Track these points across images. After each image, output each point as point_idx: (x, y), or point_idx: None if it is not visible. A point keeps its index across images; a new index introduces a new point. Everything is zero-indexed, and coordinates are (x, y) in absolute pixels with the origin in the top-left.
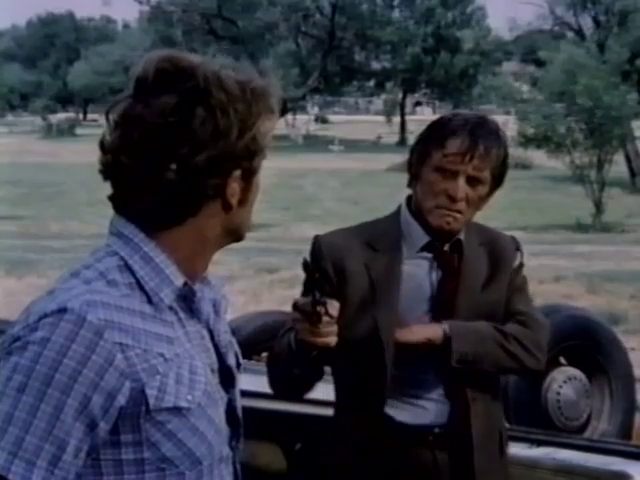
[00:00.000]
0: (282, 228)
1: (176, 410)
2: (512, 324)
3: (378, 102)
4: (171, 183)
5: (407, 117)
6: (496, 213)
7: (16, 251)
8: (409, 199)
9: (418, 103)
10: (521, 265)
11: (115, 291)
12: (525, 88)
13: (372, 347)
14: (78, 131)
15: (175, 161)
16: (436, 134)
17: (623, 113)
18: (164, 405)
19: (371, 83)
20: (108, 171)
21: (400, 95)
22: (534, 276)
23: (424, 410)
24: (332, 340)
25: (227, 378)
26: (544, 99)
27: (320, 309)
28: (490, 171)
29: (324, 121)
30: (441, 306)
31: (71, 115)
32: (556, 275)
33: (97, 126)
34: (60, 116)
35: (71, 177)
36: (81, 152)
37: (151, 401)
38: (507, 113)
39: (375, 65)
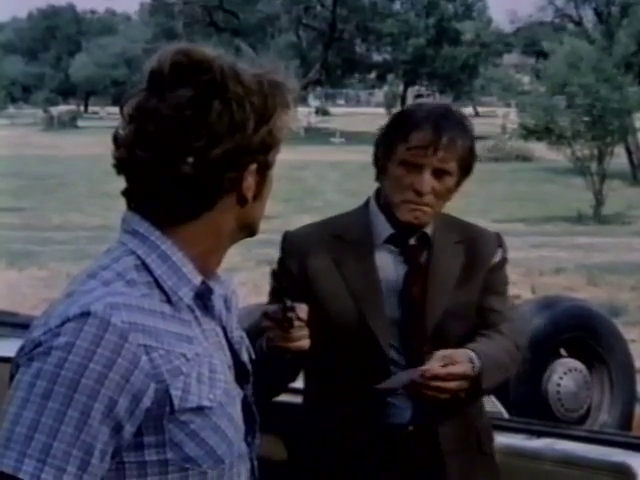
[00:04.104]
0: (283, 220)
1: (199, 410)
2: (505, 340)
3: (379, 94)
4: (187, 177)
5: None
6: (497, 205)
7: (17, 243)
8: (378, 192)
9: (419, 95)
10: (502, 262)
11: (135, 291)
12: (526, 80)
13: (366, 344)
14: (79, 123)
15: (192, 154)
16: (400, 127)
17: (624, 106)
18: (188, 405)
19: (372, 75)
20: (122, 165)
21: (401, 87)
22: (534, 268)
23: (395, 408)
24: (305, 343)
25: (242, 374)
26: (545, 91)
27: (291, 315)
28: (457, 162)
29: (325, 113)
30: (410, 303)
31: (72, 107)
32: (556, 267)
33: (98, 118)
34: (61, 108)
35: (73, 169)
36: (83, 144)
37: (176, 402)
38: (507, 105)
39: (376, 57)
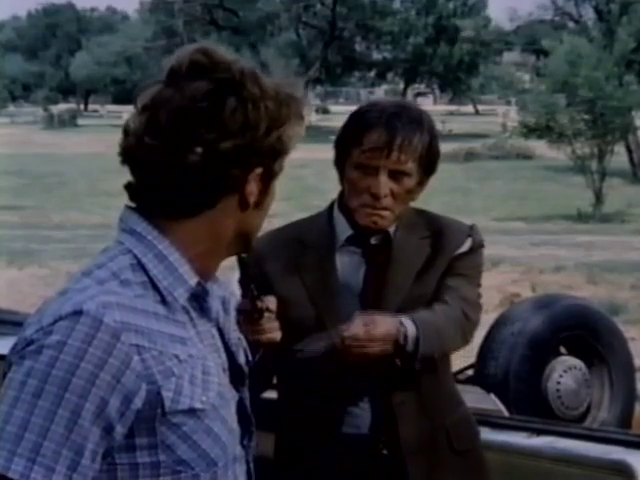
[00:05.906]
0: (284, 218)
1: (191, 412)
2: (447, 308)
3: (379, 92)
4: (193, 166)
5: None
6: (497, 203)
7: (18, 241)
8: (342, 194)
9: (419, 93)
10: (472, 250)
11: (129, 291)
12: (526, 78)
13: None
14: (80, 122)
15: (201, 145)
16: (353, 129)
17: (625, 104)
18: (180, 407)
19: (372, 73)
20: (128, 154)
21: (401, 85)
22: (534, 266)
23: (353, 417)
24: (277, 335)
25: (238, 377)
26: (546, 89)
27: (261, 305)
28: (415, 162)
29: (325, 112)
30: (366, 304)
31: (72, 106)
32: (556, 265)
33: (98, 117)
34: (61, 107)
35: (73, 168)
36: (83, 143)
37: (167, 403)
38: (508, 103)
39: (376, 55)
